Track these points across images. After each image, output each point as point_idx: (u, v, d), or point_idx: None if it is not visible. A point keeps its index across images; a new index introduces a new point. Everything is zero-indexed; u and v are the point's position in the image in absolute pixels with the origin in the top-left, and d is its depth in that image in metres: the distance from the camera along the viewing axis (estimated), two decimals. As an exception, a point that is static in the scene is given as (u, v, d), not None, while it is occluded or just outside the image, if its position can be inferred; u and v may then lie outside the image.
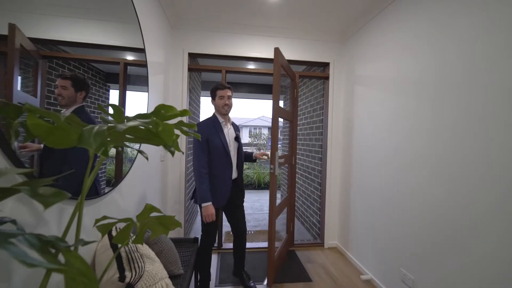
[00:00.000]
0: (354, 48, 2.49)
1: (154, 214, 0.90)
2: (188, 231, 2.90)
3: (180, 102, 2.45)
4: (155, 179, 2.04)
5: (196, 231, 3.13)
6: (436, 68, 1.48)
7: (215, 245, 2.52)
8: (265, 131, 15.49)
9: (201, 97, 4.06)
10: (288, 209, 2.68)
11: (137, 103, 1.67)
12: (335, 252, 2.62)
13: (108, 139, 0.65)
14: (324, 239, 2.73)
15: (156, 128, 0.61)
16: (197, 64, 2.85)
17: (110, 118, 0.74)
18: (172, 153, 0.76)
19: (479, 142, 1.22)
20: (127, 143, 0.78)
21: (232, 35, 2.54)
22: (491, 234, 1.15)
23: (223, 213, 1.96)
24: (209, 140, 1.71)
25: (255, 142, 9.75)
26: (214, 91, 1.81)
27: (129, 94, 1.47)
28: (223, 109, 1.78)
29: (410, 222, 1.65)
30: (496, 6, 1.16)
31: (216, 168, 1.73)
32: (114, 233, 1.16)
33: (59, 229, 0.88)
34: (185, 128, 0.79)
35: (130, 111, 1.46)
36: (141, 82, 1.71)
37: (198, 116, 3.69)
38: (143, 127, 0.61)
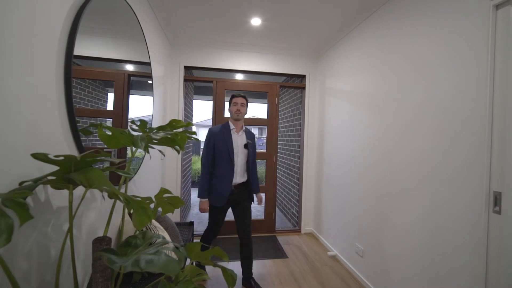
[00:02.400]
0: (325, 64, 2.95)
1: (166, 195, 1.30)
2: (183, 219, 3.28)
3: (176, 107, 2.84)
4: (157, 173, 2.42)
5: (190, 218, 3.51)
6: (383, 86, 1.96)
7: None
8: (256, 131, 15.90)
9: (193, 101, 4.43)
10: (269, 199, 3.12)
11: (138, 104, 1.92)
12: (310, 237, 3.08)
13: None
14: (301, 226, 3.19)
15: (176, 137, 1.02)
16: (192, 76, 3.22)
17: (134, 127, 1.14)
18: (178, 152, 1.17)
19: (411, 143, 1.70)
20: (151, 145, 1.18)
21: (222, 51, 2.94)
22: (414, 213, 1.63)
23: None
24: (215, 145, 1.89)
25: None
26: (231, 98, 1.98)
27: (132, 98, 1.77)
28: (235, 114, 1.93)
29: (362, 206, 2.12)
30: (414, 45, 1.64)
31: (220, 170, 1.90)
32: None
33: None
34: (189, 135, 1.20)
35: (133, 110, 1.74)
36: (142, 87, 2.05)
37: (191, 118, 4.06)
38: (169, 136, 1.01)
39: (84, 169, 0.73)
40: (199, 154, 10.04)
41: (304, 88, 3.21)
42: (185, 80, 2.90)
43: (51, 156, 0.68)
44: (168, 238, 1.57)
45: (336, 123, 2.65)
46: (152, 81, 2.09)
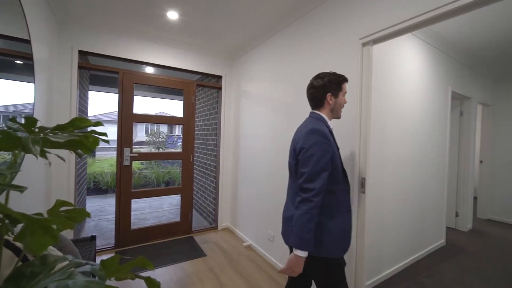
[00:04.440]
0: (240, 67, 3.14)
1: (64, 208, 1.08)
2: (78, 234, 2.72)
3: (68, 98, 2.32)
4: (38, 181, 1.91)
5: (87, 232, 2.95)
6: (286, 94, 2.28)
7: None
8: (164, 129, 14.71)
9: (89, 92, 3.70)
10: (185, 200, 3.05)
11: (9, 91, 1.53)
12: (227, 231, 3.22)
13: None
14: (218, 223, 3.29)
15: (87, 140, 0.87)
16: (89, 63, 2.70)
17: (13, 125, 0.90)
18: (81, 156, 1.01)
19: (303, 144, 2.06)
20: (47, 149, 0.96)
21: (134, 40, 2.62)
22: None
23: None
24: (333, 157, 1.14)
25: (153, 141, 9.09)
26: (338, 83, 1.24)
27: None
28: (341, 111, 1.30)
29: (273, 198, 2.42)
30: (308, 63, 2.01)
31: (338, 197, 1.18)
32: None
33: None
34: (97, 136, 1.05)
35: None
36: (14, 70, 1.60)
37: (86, 112, 3.39)
38: (77, 138, 0.86)
39: None
40: (94, 156, 8.40)
41: (220, 88, 3.29)
42: (80, 67, 2.40)
43: None
44: (64, 259, 1.30)
45: (250, 123, 2.88)
46: (33, 63, 1.63)
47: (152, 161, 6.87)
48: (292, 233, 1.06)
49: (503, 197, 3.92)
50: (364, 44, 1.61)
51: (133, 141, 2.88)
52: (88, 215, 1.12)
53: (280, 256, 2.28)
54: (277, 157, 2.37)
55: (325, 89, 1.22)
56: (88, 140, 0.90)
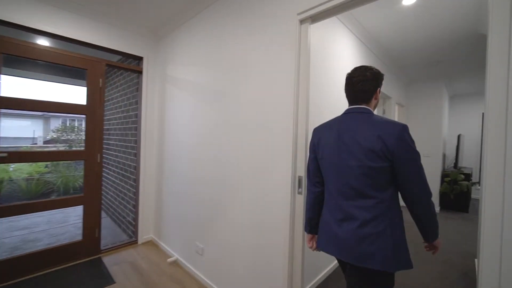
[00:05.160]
0: (166, 48, 2.63)
1: None
2: None
3: None
4: None
5: None
6: (219, 80, 1.92)
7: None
8: (57, 122, 11.70)
9: None
10: (90, 212, 2.37)
11: None
12: (149, 245, 2.67)
13: None
14: (138, 235, 2.70)
15: None
16: None
17: None
18: None
19: (240, 140, 1.74)
20: None
21: (-8, -12, 1.82)
22: (245, 206, 1.70)
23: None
24: None
25: (69, 138, 6.95)
26: (382, 78, 1.14)
27: None
28: None
29: (202, 204, 2.03)
30: (243, 43, 1.71)
31: None
32: None
33: None
34: None
35: None
36: None
37: None
38: None
39: None
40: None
41: (141, 72, 2.70)
42: None
43: None
44: None
45: (178, 116, 2.41)
46: None
47: (60, 162, 5.52)
48: (430, 231, 1.04)
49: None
50: (302, 21, 1.39)
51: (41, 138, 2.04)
52: None
53: (210, 270, 1.92)
54: (209, 157, 2.00)
55: (378, 82, 1.11)
56: None
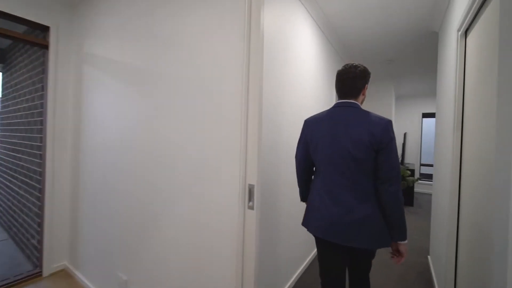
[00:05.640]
0: (85, 18, 2.00)
1: None
2: None
3: None
4: None
5: None
6: (154, 59, 1.44)
7: None
8: None
9: None
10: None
11: None
12: (60, 277, 2.02)
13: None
14: (44, 265, 2.02)
15: None
16: None
17: None
18: None
19: (179, 139, 1.30)
20: None
21: None
22: (183, 223, 1.26)
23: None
24: None
25: None
26: (369, 75, 1.24)
27: None
28: None
29: (127, 223, 1.53)
30: (189, 16, 1.27)
31: None
32: None
33: None
34: None
35: None
36: None
37: None
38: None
39: None
40: None
41: (47, 47, 2.03)
42: None
43: None
44: None
45: (99, 106, 1.83)
46: None
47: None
48: (397, 228, 1.09)
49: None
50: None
51: None
52: None
53: (137, 311, 1.44)
54: (140, 161, 1.50)
55: (366, 79, 1.22)
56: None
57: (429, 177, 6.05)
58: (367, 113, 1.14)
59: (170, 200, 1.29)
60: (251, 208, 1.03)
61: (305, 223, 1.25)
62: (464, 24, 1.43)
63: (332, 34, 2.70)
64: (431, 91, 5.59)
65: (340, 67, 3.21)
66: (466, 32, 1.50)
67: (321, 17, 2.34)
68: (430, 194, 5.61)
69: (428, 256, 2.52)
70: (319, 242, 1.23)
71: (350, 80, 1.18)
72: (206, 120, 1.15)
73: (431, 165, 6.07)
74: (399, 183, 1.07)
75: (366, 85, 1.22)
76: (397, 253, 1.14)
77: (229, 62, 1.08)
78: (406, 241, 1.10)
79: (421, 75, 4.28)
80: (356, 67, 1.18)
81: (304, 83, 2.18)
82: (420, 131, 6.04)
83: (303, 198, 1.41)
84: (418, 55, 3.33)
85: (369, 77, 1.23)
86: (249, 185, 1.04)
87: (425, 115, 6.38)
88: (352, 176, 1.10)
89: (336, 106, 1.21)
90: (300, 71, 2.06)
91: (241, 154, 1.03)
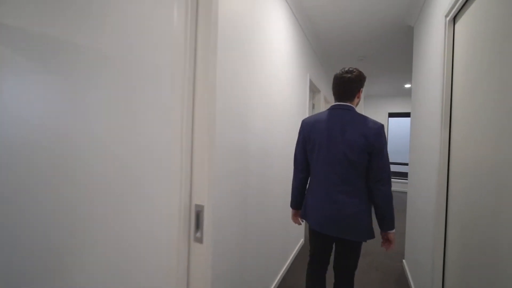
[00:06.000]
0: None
1: None
2: None
3: None
4: None
5: None
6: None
7: None
8: None
9: None
10: None
11: None
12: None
13: None
14: None
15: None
16: None
17: None
18: None
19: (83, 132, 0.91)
20: None
21: None
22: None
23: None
24: None
25: None
26: (365, 79, 1.33)
27: None
28: None
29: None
30: None
31: None
32: None
33: None
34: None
35: None
36: None
37: None
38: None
39: None
40: None
41: None
42: None
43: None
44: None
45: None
46: None
47: None
48: (387, 220, 1.23)
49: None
50: None
51: None
52: None
53: None
54: (44, 169, 1.07)
55: (361, 83, 1.30)
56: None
57: (398, 175, 6.27)
58: (362, 117, 1.24)
59: (86, 229, 0.91)
60: (199, 240, 0.71)
61: (303, 215, 1.37)
62: (454, 9, 1.27)
63: (308, 28, 2.48)
64: (397, 92, 5.76)
65: (312, 63, 3.02)
66: (454, 19, 1.34)
67: (298, 10, 2.10)
68: (399, 192, 5.79)
69: (403, 260, 2.43)
70: (314, 231, 1.37)
71: (346, 84, 1.27)
72: (122, 111, 0.79)
73: (401, 164, 6.29)
74: (389, 182, 1.22)
75: (361, 88, 1.31)
76: (387, 241, 1.27)
77: (166, 28, 0.74)
78: (394, 230, 1.25)
79: (391, 74, 4.32)
80: (351, 71, 1.27)
81: (279, 74, 1.92)
82: (386, 130, 6.22)
83: (296, 205, 1.46)
84: (391, 51, 3.28)
85: (364, 81, 1.31)
86: (196, 205, 0.72)
87: (391, 115, 6.61)
88: (347, 176, 1.21)
89: (332, 108, 1.30)
90: (273, 59, 1.79)
91: (183, 163, 0.70)
